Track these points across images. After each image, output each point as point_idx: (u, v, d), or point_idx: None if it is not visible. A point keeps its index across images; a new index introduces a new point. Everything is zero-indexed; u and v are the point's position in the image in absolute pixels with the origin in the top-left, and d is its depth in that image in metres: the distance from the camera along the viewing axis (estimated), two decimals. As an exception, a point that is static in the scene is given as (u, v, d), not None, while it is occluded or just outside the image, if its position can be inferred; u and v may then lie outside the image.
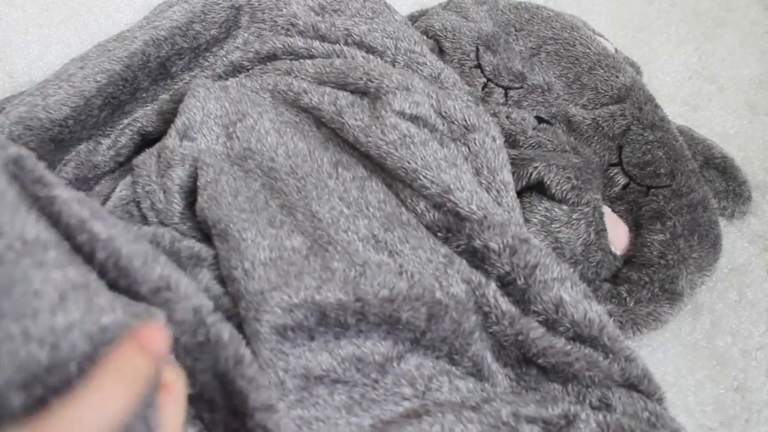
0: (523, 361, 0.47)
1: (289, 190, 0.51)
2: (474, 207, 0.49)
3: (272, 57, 0.64)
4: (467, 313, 0.45)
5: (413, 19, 0.79)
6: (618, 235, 0.60)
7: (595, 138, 0.65)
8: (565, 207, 0.57)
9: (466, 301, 0.46)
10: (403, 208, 0.52)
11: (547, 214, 0.57)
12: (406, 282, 0.44)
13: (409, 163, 0.51)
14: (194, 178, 0.51)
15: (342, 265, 0.45)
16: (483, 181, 0.54)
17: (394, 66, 0.62)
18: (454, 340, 0.44)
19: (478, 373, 0.45)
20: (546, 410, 0.42)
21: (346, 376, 0.42)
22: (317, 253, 0.46)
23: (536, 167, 0.58)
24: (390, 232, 0.49)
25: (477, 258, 0.49)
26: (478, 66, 0.68)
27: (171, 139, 0.53)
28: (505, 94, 0.68)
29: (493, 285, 0.47)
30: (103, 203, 0.53)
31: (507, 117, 0.64)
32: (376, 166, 0.54)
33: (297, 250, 0.45)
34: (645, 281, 0.57)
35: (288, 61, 0.62)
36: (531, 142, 0.62)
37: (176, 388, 0.30)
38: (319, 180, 0.52)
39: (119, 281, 0.35)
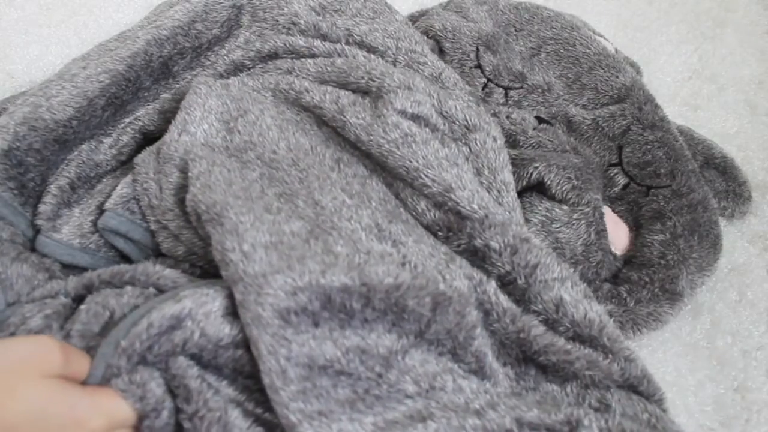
0: (522, 360, 0.47)
1: (291, 180, 0.50)
2: (475, 206, 0.49)
3: (273, 56, 0.64)
4: (469, 307, 0.45)
5: (413, 19, 0.79)
6: (618, 235, 0.60)
7: (595, 138, 0.65)
8: (565, 207, 0.57)
9: (469, 296, 0.45)
10: (402, 209, 0.52)
11: (548, 214, 0.57)
12: (409, 273, 0.44)
13: (410, 161, 0.51)
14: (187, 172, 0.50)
15: (345, 250, 0.44)
16: (484, 181, 0.54)
17: (395, 66, 0.62)
18: (458, 333, 0.44)
19: (480, 370, 0.45)
20: (549, 416, 0.42)
21: (350, 368, 0.41)
22: (318, 236, 0.45)
23: (536, 167, 0.58)
24: (393, 224, 0.49)
25: (477, 257, 0.49)
26: (479, 66, 0.69)
27: (169, 135, 0.52)
28: (506, 94, 0.68)
29: (493, 283, 0.47)
30: (104, 201, 0.53)
31: (507, 117, 0.64)
32: (376, 165, 0.54)
33: (296, 234, 0.44)
34: (645, 281, 0.57)
35: (289, 60, 0.62)
36: (531, 142, 0.62)
37: None
38: (322, 171, 0.52)
39: None
